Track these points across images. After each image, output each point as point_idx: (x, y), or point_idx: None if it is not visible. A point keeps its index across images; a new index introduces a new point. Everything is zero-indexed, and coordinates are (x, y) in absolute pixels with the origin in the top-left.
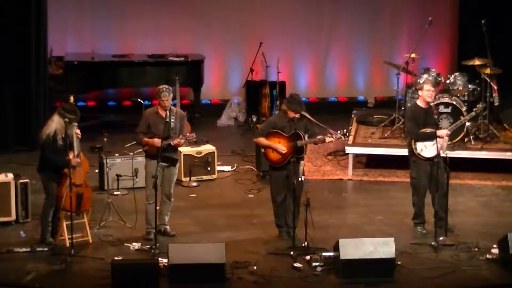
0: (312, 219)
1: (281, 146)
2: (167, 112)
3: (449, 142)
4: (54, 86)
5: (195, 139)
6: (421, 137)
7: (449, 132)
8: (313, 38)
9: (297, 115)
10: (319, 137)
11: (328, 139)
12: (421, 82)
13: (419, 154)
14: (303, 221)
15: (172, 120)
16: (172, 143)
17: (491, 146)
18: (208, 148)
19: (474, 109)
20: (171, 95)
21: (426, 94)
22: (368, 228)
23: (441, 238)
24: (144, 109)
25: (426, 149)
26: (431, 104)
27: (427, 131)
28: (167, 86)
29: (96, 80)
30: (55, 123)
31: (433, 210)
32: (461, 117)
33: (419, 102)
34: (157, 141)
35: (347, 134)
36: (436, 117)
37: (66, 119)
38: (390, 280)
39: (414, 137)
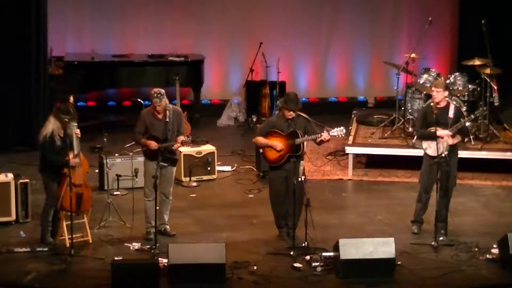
0: (312, 219)
1: (278, 143)
2: (167, 112)
3: (451, 143)
4: (54, 86)
5: (190, 142)
6: (422, 136)
7: (450, 133)
8: (313, 38)
9: (293, 114)
10: (316, 134)
11: (324, 135)
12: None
13: (425, 151)
14: (303, 221)
15: (168, 120)
16: (172, 148)
17: (491, 146)
18: (208, 148)
19: (475, 112)
20: (164, 99)
21: (433, 96)
22: (368, 228)
23: (441, 238)
24: (143, 109)
25: (430, 148)
26: (454, 104)
27: (428, 131)
28: (158, 91)
29: (96, 80)
30: (51, 124)
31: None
32: (461, 119)
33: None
34: (153, 144)
35: (344, 130)
36: (451, 116)
37: (66, 119)
38: (390, 280)
39: (416, 135)
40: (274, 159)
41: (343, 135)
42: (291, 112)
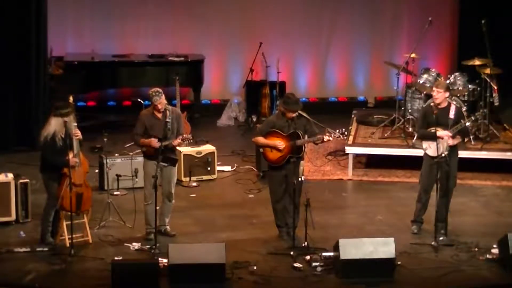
0: (312, 219)
1: (279, 142)
2: (167, 112)
3: (451, 144)
4: (54, 86)
5: (191, 140)
6: (422, 136)
7: (450, 134)
8: (313, 38)
9: (295, 115)
10: (318, 136)
11: (326, 138)
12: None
13: (425, 151)
14: (303, 221)
15: (169, 119)
16: (172, 144)
17: (491, 146)
18: (208, 148)
19: (476, 113)
20: (163, 96)
21: (433, 96)
22: (368, 228)
23: (441, 238)
24: (144, 109)
25: (430, 148)
26: (454, 105)
27: (428, 131)
28: (156, 90)
29: (96, 80)
30: (52, 125)
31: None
32: (462, 120)
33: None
34: (154, 142)
35: (346, 133)
36: (452, 117)
37: (66, 119)
38: (390, 280)
39: (417, 135)
40: (275, 160)
41: (344, 138)
42: (296, 114)
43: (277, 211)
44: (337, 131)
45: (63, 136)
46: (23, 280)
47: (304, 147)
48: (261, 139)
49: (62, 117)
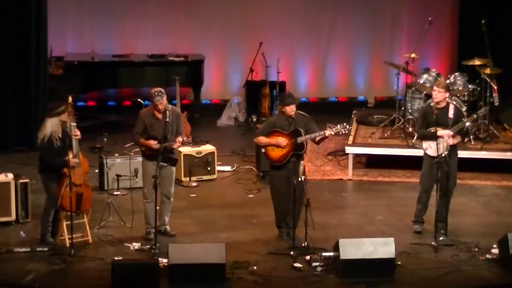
0: (312, 219)
1: (282, 139)
2: (167, 112)
3: (451, 143)
4: (54, 86)
5: (190, 143)
6: (422, 136)
7: (451, 133)
8: (313, 38)
9: (294, 110)
10: (319, 132)
11: (328, 132)
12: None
13: (425, 151)
14: (303, 221)
15: (169, 120)
16: (172, 147)
17: (491, 146)
18: (208, 148)
19: (478, 112)
20: (164, 97)
21: (433, 95)
22: (368, 228)
23: (441, 238)
24: (143, 109)
25: (431, 148)
26: (453, 104)
27: (429, 131)
28: (159, 90)
29: (96, 80)
30: (48, 127)
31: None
32: (462, 119)
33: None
34: (153, 143)
35: (348, 127)
36: (451, 117)
37: (62, 118)
38: (390, 280)
39: (417, 135)
40: (277, 158)
41: (346, 131)
42: (292, 107)
43: (279, 211)
44: (339, 125)
45: (60, 136)
46: (23, 280)
47: (306, 144)
48: (262, 139)
49: (57, 116)
